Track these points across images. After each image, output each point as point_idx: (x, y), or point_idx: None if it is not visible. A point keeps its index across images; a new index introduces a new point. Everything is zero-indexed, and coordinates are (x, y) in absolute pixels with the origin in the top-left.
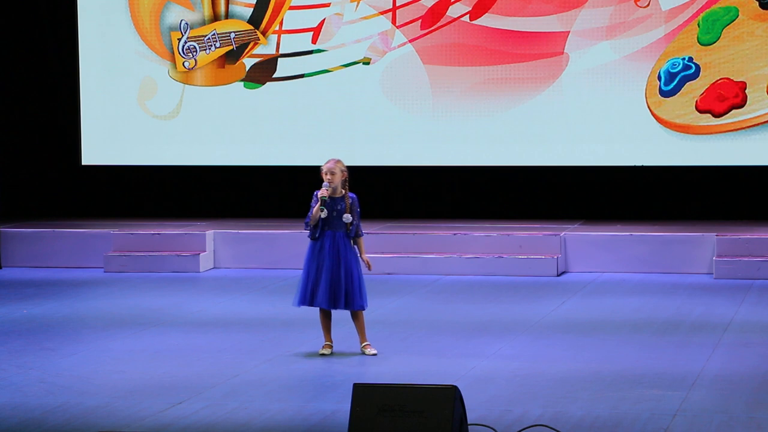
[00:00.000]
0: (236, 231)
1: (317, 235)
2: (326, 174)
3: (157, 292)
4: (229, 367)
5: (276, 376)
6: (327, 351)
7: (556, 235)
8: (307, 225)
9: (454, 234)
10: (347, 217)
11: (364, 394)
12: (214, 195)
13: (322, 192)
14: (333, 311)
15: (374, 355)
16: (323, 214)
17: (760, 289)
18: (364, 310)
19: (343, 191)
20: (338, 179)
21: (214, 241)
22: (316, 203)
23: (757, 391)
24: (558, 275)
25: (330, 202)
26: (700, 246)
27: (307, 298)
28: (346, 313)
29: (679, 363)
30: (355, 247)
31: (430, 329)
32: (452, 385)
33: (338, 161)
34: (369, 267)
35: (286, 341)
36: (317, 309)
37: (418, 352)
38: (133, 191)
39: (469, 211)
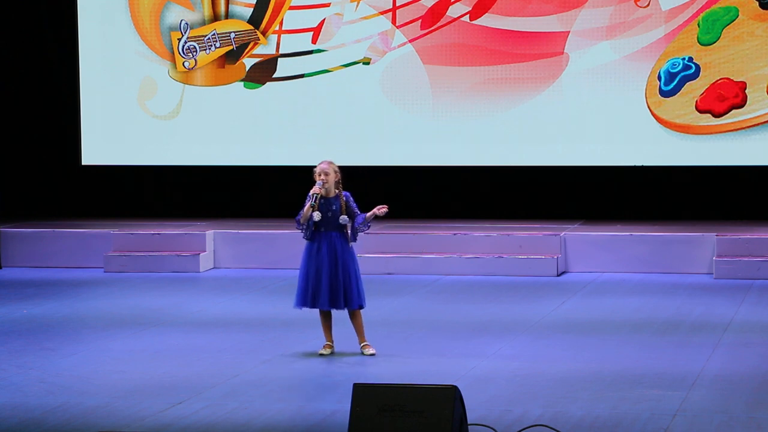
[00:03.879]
0: (236, 231)
1: (313, 236)
2: (320, 175)
3: (157, 292)
4: (229, 367)
5: (276, 376)
6: (327, 351)
7: (556, 235)
8: (298, 223)
9: (454, 234)
10: (344, 219)
11: (364, 394)
12: (214, 195)
13: (314, 190)
14: (333, 312)
15: (372, 355)
16: (316, 217)
17: (760, 289)
18: (362, 308)
19: (337, 191)
20: (332, 180)
21: (214, 241)
22: (308, 203)
23: (757, 391)
24: (558, 275)
25: (324, 203)
26: (700, 246)
27: (308, 299)
28: (345, 313)
29: (679, 363)
30: (353, 246)
31: (430, 329)
32: (452, 385)
33: (331, 162)
34: (382, 211)
35: (286, 341)
36: (317, 310)
37: (418, 352)
38: (133, 191)
39: (469, 211)
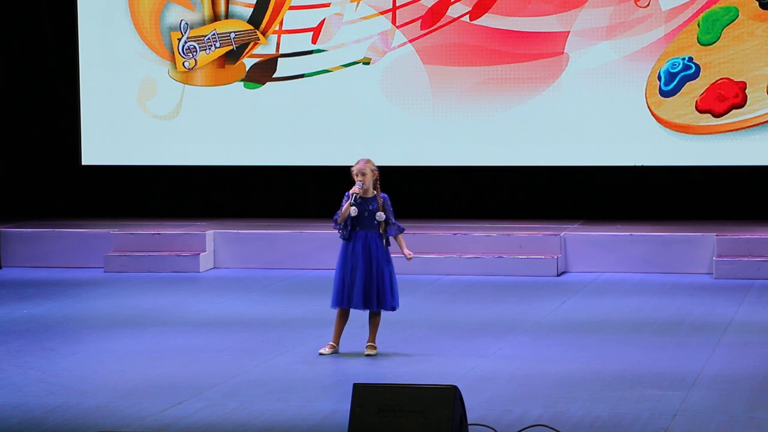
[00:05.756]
0: (236, 231)
1: (348, 236)
2: (357, 175)
3: (157, 292)
4: (229, 367)
5: (276, 376)
6: (327, 351)
7: (556, 235)
8: (335, 222)
9: (454, 234)
10: (380, 215)
11: (364, 394)
12: (214, 195)
13: (354, 190)
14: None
15: (370, 356)
16: (353, 213)
17: (760, 289)
18: (395, 310)
19: (375, 192)
20: (369, 179)
21: (214, 241)
22: (347, 202)
23: (757, 391)
24: (558, 275)
25: (361, 202)
26: (700, 246)
27: (344, 299)
28: (353, 314)
29: (679, 363)
30: (389, 247)
31: (430, 329)
32: (452, 385)
33: (368, 161)
34: (409, 257)
35: (286, 341)
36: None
37: (418, 352)
38: (133, 191)
39: (469, 211)
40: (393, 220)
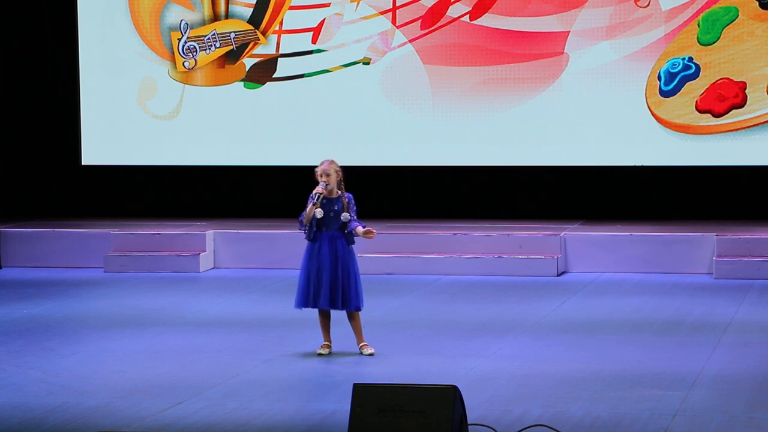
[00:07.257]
0: (236, 231)
1: (313, 237)
2: (321, 176)
3: (157, 292)
4: (229, 367)
5: (276, 376)
6: (325, 351)
7: (556, 235)
8: (301, 223)
9: (454, 234)
10: (345, 216)
11: (364, 394)
12: (214, 195)
13: (318, 190)
14: (333, 312)
15: (371, 354)
16: (319, 215)
17: (760, 289)
18: (360, 310)
19: (339, 192)
20: (333, 180)
21: (214, 241)
22: (311, 202)
23: (757, 391)
24: (558, 275)
25: (326, 203)
26: (700, 246)
27: (309, 299)
28: (345, 313)
29: (679, 363)
30: (352, 246)
31: (430, 329)
32: (452, 385)
33: (332, 162)
34: (372, 232)
35: (286, 341)
36: (317, 309)
37: (418, 352)
38: (133, 191)
39: (469, 211)
40: (354, 218)
